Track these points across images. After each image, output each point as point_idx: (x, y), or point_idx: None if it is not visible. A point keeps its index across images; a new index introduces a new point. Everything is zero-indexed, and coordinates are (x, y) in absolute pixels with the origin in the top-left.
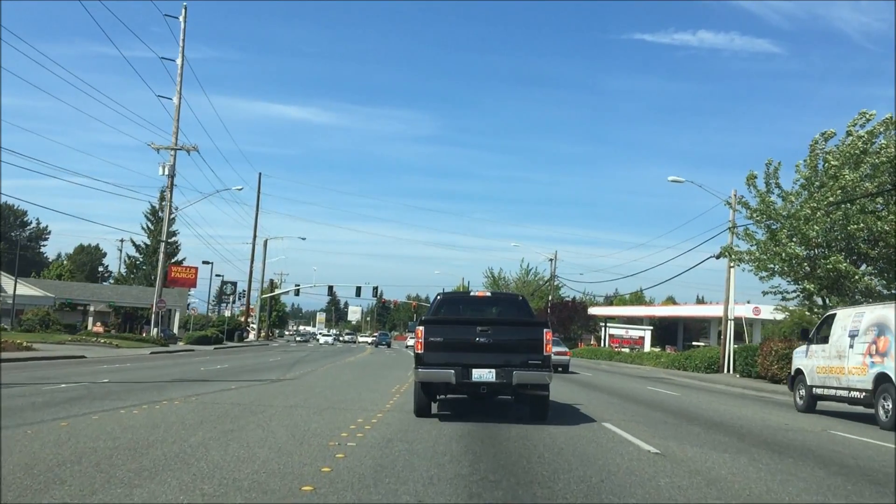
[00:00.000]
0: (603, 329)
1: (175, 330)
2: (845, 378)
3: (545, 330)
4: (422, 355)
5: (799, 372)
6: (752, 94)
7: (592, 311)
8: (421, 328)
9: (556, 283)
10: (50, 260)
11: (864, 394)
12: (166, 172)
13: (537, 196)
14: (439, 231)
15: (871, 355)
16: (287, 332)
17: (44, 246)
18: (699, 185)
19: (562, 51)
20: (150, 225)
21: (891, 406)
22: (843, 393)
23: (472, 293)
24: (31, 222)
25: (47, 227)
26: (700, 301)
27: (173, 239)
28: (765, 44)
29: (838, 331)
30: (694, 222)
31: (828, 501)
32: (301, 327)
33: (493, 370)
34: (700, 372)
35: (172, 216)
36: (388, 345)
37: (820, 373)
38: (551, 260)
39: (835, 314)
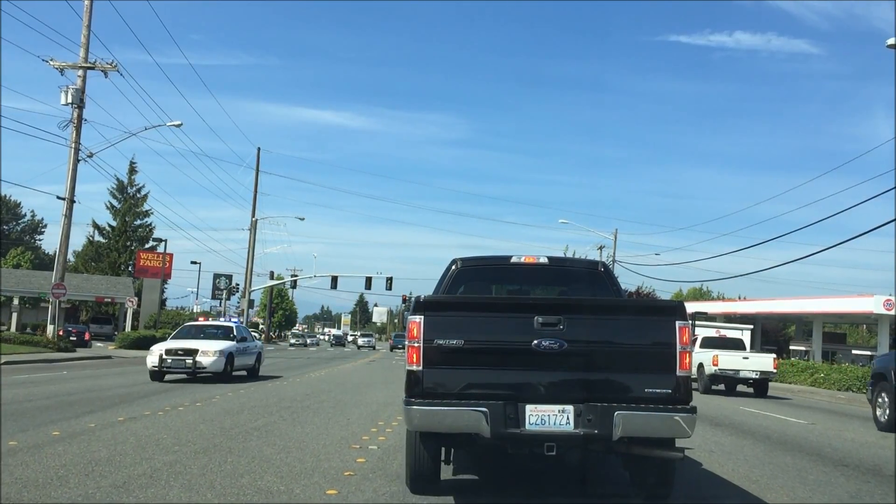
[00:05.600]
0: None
1: (128, 328)
2: None
3: (678, 323)
4: (420, 375)
5: None
6: (788, 95)
7: None
8: (418, 320)
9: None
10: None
11: None
12: (70, 100)
13: (571, 199)
14: (470, 235)
15: None
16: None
17: (40, 240)
18: None
19: (595, 53)
20: (114, 202)
21: None
22: None
23: (512, 259)
24: (25, 214)
25: (43, 219)
26: (742, 299)
27: (146, 221)
28: (802, 44)
29: None
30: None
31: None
32: (327, 329)
33: (570, 408)
34: None
35: (81, 159)
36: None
37: None
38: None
39: None
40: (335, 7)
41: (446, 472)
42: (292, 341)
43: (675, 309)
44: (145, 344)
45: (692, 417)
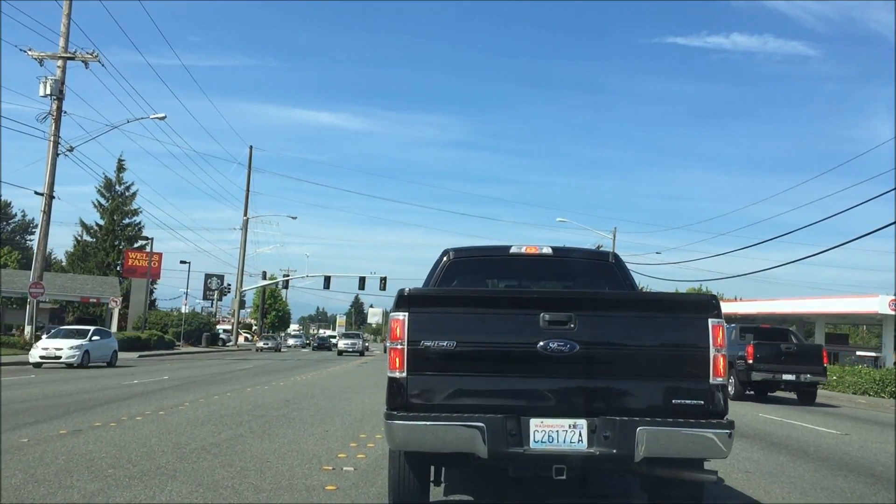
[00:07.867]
0: None
1: (114, 329)
2: None
3: (711, 321)
4: (404, 383)
5: None
6: (786, 97)
7: None
8: (402, 317)
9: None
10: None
11: None
12: (49, 91)
13: (569, 200)
14: (468, 235)
15: None
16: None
17: (31, 240)
18: None
19: (593, 54)
20: (102, 200)
21: None
22: None
23: (512, 249)
24: (15, 214)
25: (33, 219)
26: (738, 299)
27: (135, 220)
28: (799, 46)
29: None
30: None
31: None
32: (322, 331)
33: (583, 423)
34: None
35: (59, 154)
36: None
37: None
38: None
39: None
40: (333, 8)
41: (436, 494)
42: (259, 344)
43: (707, 304)
44: (130, 346)
45: (729, 434)
